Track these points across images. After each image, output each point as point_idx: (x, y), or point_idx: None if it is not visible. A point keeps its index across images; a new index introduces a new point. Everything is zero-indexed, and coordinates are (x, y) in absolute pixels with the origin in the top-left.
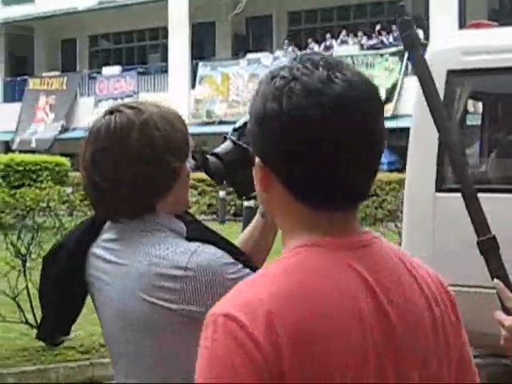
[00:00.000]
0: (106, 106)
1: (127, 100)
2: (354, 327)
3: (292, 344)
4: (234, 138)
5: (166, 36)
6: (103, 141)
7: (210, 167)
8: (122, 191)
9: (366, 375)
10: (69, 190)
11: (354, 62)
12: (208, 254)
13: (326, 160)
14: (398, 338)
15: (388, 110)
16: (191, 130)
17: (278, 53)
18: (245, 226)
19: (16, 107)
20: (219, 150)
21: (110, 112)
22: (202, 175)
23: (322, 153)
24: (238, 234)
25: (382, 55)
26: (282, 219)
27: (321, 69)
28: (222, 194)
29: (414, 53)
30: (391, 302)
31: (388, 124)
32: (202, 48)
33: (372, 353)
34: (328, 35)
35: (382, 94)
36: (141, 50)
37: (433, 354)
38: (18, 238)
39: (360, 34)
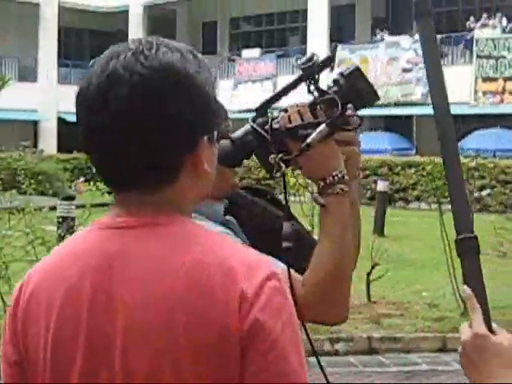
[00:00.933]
0: (244, 88)
1: (266, 83)
2: (68, 305)
3: (23, 310)
4: (251, 123)
5: (305, 19)
6: None
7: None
8: None
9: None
10: None
11: (495, 46)
12: None
13: (95, 148)
14: (119, 328)
15: None
16: None
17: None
18: (378, 211)
19: None
20: (236, 133)
21: None
22: None
23: (90, 141)
24: (371, 218)
25: None
26: None
27: (123, 55)
28: None
29: (424, 20)
30: (126, 290)
31: None
32: (340, 31)
33: (82, 332)
34: (472, 18)
35: None
36: (280, 32)
37: (162, 356)
38: None
39: (499, 15)
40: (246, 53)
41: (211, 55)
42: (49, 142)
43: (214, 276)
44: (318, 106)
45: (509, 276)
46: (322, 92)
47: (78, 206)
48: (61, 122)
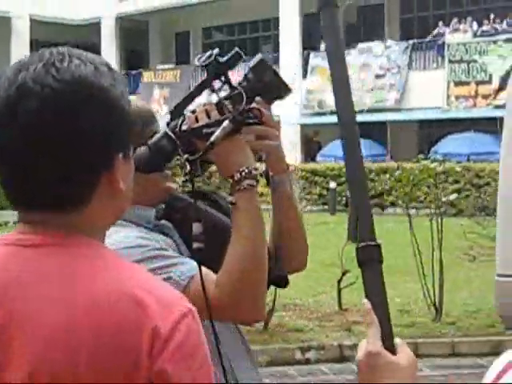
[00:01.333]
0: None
1: None
2: None
3: None
4: (166, 129)
5: (277, 27)
6: None
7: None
8: None
9: None
10: None
11: (466, 50)
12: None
13: (2, 163)
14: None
15: (502, 98)
16: (303, 120)
17: (390, 42)
18: (351, 217)
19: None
20: (153, 138)
21: None
22: (315, 166)
23: None
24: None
25: (495, 42)
26: None
27: (33, 66)
28: (332, 184)
29: (329, 10)
30: (26, 315)
31: (501, 113)
32: (313, 38)
33: None
34: (440, 23)
35: (496, 82)
36: (253, 41)
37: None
38: None
39: (469, 19)
40: None
41: (185, 65)
42: None
43: (118, 302)
44: (226, 103)
45: (479, 280)
46: (232, 88)
47: None
48: None
